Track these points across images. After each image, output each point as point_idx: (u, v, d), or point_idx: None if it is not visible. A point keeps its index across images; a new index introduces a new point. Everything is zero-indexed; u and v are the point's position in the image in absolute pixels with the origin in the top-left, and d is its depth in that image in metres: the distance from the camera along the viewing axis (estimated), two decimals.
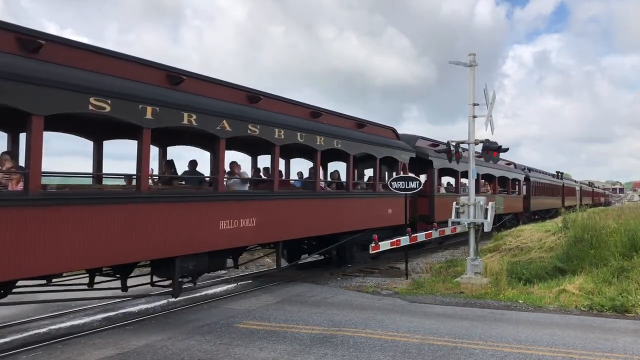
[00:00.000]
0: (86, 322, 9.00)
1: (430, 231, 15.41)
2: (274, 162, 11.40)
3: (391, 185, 14.15)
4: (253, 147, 14.33)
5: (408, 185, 13.77)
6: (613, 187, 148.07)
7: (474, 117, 13.07)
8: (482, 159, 18.69)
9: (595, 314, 9.63)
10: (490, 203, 13.51)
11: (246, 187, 11.60)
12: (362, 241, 14.98)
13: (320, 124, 12.86)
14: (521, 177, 31.37)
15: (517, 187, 30.47)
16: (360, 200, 14.77)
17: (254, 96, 10.60)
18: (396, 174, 16.03)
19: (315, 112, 12.82)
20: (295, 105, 12.25)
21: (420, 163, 18.97)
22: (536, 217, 35.53)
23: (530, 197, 33.02)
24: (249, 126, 10.28)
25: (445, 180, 23.91)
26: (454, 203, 13.52)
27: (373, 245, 12.77)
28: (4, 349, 7.25)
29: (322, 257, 15.73)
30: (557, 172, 48.99)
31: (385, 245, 13.08)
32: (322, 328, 8.13)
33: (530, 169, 36.17)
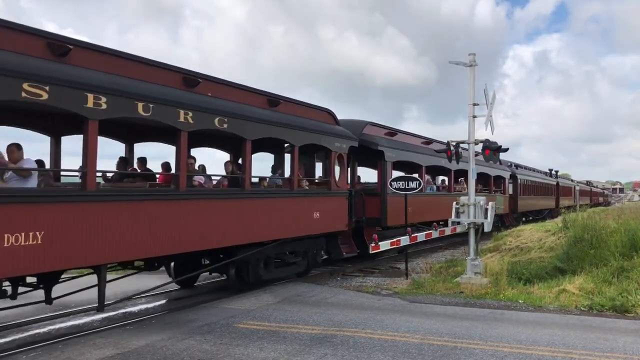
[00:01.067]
0: (86, 322, 9.01)
1: (430, 231, 15.41)
2: (87, 146, 7.39)
3: (391, 185, 14.11)
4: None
5: (408, 185, 13.77)
6: (613, 187, 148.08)
7: (474, 117, 13.06)
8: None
9: (595, 314, 9.63)
10: (490, 203, 13.50)
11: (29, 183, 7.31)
12: (275, 255, 12.03)
13: (193, 94, 9.25)
14: (506, 175, 28.98)
15: (502, 185, 28.35)
16: (265, 202, 10.99)
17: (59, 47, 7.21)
18: (327, 168, 13.52)
19: (189, 79, 9.30)
20: (152, 67, 8.73)
21: (368, 154, 16.16)
22: (525, 219, 32.80)
23: (518, 196, 30.63)
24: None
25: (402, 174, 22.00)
26: (454, 203, 13.50)
27: (373, 245, 12.77)
28: (4, 349, 7.26)
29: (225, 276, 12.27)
30: (551, 170, 46.34)
31: (385, 245, 13.08)
32: (322, 328, 8.12)
33: (517, 166, 33.44)
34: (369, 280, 13.26)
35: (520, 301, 10.48)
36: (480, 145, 13.23)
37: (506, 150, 13.34)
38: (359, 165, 17.93)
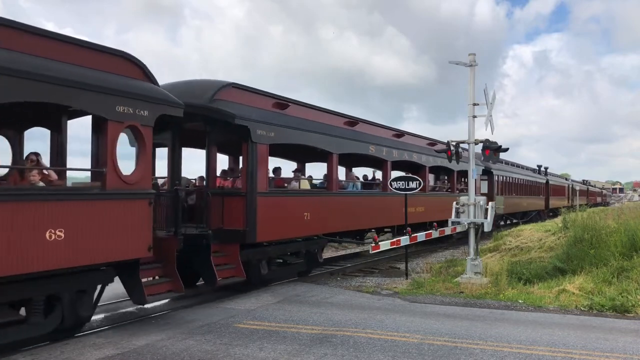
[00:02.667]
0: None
1: (430, 231, 15.41)
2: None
3: (391, 185, 14.09)
4: None
5: (408, 185, 13.76)
6: (613, 187, 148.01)
7: (474, 117, 13.08)
8: (403, 139, 18.19)
9: (595, 314, 9.63)
10: (490, 203, 13.50)
11: None
12: None
13: None
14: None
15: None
16: None
17: None
18: (99, 150, 7.88)
19: None
20: None
21: (219, 132, 11.13)
22: (505, 222, 29.62)
23: (494, 196, 25.54)
24: None
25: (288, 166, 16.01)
26: (454, 203, 13.49)
27: (373, 245, 12.77)
28: (4, 349, 7.25)
29: None
30: (539, 167, 41.78)
31: (385, 245, 13.08)
32: (322, 328, 8.12)
33: (494, 160, 30.64)
34: (369, 280, 13.26)
35: (520, 301, 10.47)
36: (481, 145, 13.24)
37: (506, 150, 13.36)
38: (223, 152, 13.34)
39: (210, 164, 11.52)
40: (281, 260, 12.81)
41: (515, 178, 31.53)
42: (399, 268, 15.13)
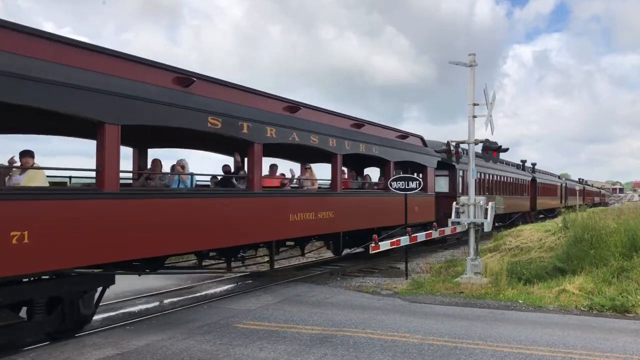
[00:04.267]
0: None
1: (430, 231, 15.41)
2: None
3: (391, 185, 14.08)
4: None
5: (408, 185, 13.75)
6: (613, 187, 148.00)
7: (474, 117, 13.08)
8: (363, 129, 14.98)
9: (595, 314, 9.63)
10: (490, 203, 13.50)
11: None
12: None
13: None
14: (431, 163, 19.11)
15: (425, 180, 17.84)
16: None
17: None
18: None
19: None
20: None
21: None
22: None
23: (457, 197, 19.65)
24: None
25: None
26: (454, 203, 13.49)
27: (373, 245, 12.77)
28: (4, 349, 7.25)
29: None
30: (523, 162, 36.58)
31: (385, 245, 13.08)
32: (322, 328, 8.12)
33: (463, 150, 23.76)
34: (369, 280, 13.26)
35: (520, 301, 10.47)
36: (480, 145, 13.25)
37: (506, 150, 13.36)
38: None
39: None
40: None
41: (489, 174, 26.27)
42: (399, 268, 15.12)
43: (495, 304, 10.31)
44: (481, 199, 13.26)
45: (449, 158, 13.85)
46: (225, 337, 7.59)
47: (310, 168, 13.95)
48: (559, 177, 48.77)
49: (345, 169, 17.26)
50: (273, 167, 13.20)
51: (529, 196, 34.09)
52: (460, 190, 21.70)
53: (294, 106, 11.87)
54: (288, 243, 13.82)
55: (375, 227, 14.84)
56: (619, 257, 11.87)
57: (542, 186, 37.48)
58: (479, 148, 13.72)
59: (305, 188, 13.31)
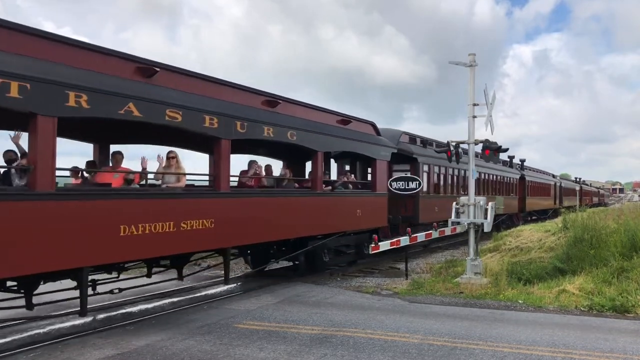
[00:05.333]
0: (86, 322, 8.99)
1: (430, 231, 15.41)
2: None
3: (391, 185, 14.06)
4: None
5: (408, 185, 13.75)
6: (613, 187, 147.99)
7: (474, 117, 13.09)
8: (278, 108, 11.32)
9: (595, 314, 9.63)
10: (490, 203, 13.50)
11: None
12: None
13: None
14: (383, 156, 15.31)
15: (374, 177, 15.21)
16: None
17: None
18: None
19: None
20: None
21: None
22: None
23: (419, 197, 17.68)
24: None
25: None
26: (454, 203, 13.49)
27: (373, 245, 12.78)
28: (4, 349, 7.26)
29: None
30: (511, 159, 33.12)
31: (385, 245, 13.09)
32: (322, 328, 8.13)
33: (425, 142, 19.95)
34: (369, 281, 13.25)
35: (520, 301, 10.47)
36: (480, 145, 13.25)
37: (506, 150, 13.37)
38: None
39: None
40: None
41: (464, 170, 21.40)
42: (399, 268, 15.12)
43: (495, 304, 10.31)
44: (481, 199, 13.26)
45: (448, 159, 13.75)
46: (225, 337, 7.59)
47: (174, 157, 9.66)
48: (553, 176, 45.32)
49: (272, 162, 14.19)
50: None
51: (517, 196, 30.96)
52: (425, 189, 18.17)
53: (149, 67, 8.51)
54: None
55: (296, 237, 12.20)
56: (619, 258, 11.87)
57: (532, 185, 34.47)
58: (479, 148, 13.72)
59: (165, 186, 9.44)
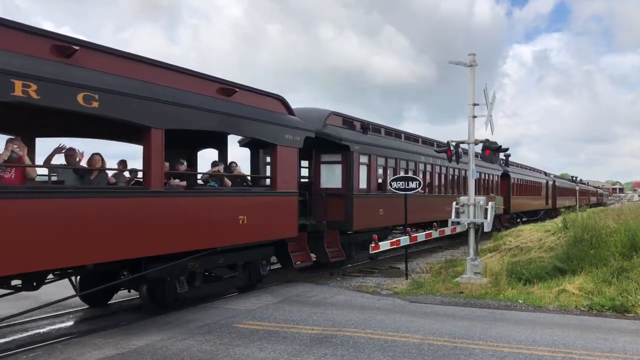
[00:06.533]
0: (86, 322, 9.00)
1: (430, 231, 15.41)
2: None
3: (391, 185, 14.06)
4: None
5: (408, 185, 13.74)
6: (613, 187, 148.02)
7: (474, 117, 13.09)
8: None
9: (595, 314, 9.63)
10: (490, 203, 13.50)
11: None
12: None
13: None
14: (286, 141, 11.48)
15: (275, 166, 11.37)
16: None
17: None
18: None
19: None
20: None
21: None
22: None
23: (353, 197, 13.85)
24: None
25: None
26: (454, 203, 13.48)
27: (373, 245, 12.78)
28: (4, 349, 7.26)
29: None
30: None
31: (385, 245, 13.09)
32: (322, 328, 8.13)
33: (366, 126, 15.37)
34: (369, 280, 13.26)
35: (520, 301, 10.47)
36: (480, 145, 13.25)
37: (506, 150, 13.37)
38: None
39: None
40: None
41: (437, 166, 19.47)
42: (399, 268, 15.12)
43: (495, 304, 10.31)
44: (481, 199, 13.26)
45: (448, 158, 13.63)
46: (225, 337, 7.59)
47: None
48: (545, 174, 41.24)
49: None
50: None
51: (501, 196, 27.33)
52: (365, 186, 14.57)
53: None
54: None
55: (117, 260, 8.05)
56: (619, 257, 11.87)
57: (518, 183, 30.83)
58: (478, 148, 13.72)
59: None
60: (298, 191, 12.11)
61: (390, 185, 14.04)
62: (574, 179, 60.28)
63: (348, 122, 14.99)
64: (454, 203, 13.48)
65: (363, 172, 14.67)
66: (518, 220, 31.70)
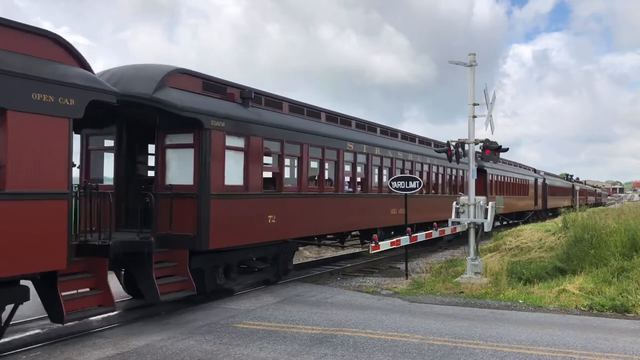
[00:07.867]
0: (86, 322, 8.99)
1: (430, 231, 15.40)
2: None
3: (391, 185, 14.05)
4: None
5: (408, 185, 13.73)
6: (613, 186, 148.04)
7: (474, 117, 13.09)
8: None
9: (595, 314, 9.63)
10: (490, 203, 13.50)
11: None
12: None
13: None
14: (36, 105, 6.60)
15: (7, 154, 6.35)
16: None
17: None
18: None
19: None
20: None
21: None
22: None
23: (212, 201, 9.28)
24: None
25: None
26: (454, 203, 13.48)
27: (373, 245, 12.77)
28: (4, 349, 7.25)
29: None
30: (460, 145, 18.77)
31: (385, 245, 13.08)
32: (322, 328, 8.12)
33: (264, 99, 11.29)
34: (369, 280, 13.26)
35: (520, 301, 10.47)
36: (480, 145, 13.25)
37: (506, 150, 13.36)
38: None
39: None
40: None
41: (395, 158, 16.50)
42: (399, 268, 15.12)
43: (495, 304, 10.31)
44: (481, 199, 13.26)
45: (448, 158, 13.65)
46: (225, 337, 7.58)
47: None
48: (534, 171, 37.70)
49: None
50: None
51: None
52: (237, 181, 10.20)
53: None
54: None
55: None
56: (619, 257, 11.87)
57: (497, 180, 26.63)
58: (479, 148, 13.72)
59: None
60: (71, 191, 7.42)
61: (390, 185, 14.02)
62: (570, 177, 57.34)
63: (212, 86, 10.23)
64: (454, 203, 13.48)
65: (234, 160, 10.19)
66: (498, 223, 27.15)
